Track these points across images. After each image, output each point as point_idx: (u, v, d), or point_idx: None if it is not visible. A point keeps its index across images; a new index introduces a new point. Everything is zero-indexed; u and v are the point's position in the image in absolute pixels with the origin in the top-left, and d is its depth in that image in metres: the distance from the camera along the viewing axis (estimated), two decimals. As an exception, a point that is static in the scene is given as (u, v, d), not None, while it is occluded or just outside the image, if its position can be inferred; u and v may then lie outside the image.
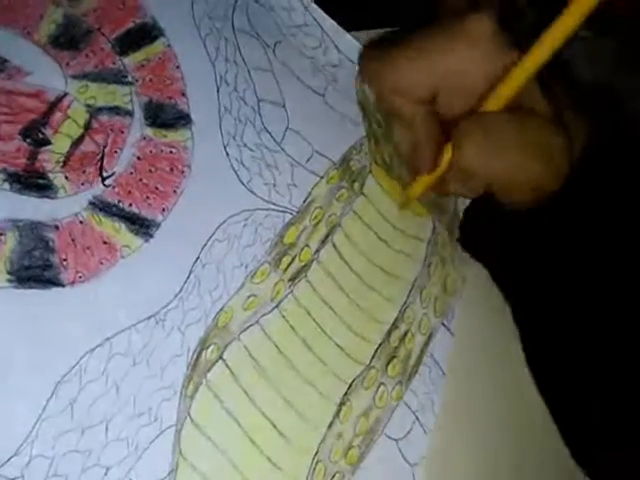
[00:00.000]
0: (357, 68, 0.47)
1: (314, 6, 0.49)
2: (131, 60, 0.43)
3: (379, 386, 0.43)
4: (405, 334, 0.45)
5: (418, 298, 0.46)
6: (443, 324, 0.47)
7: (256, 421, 0.39)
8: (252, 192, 0.43)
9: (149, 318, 0.37)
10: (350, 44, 0.49)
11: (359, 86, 0.48)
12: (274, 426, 0.39)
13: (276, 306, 0.42)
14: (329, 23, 0.49)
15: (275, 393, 0.40)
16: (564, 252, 0.42)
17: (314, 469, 0.39)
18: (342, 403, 0.41)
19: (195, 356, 0.38)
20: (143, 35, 0.43)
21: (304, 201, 0.45)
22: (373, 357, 0.43)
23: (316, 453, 0.40)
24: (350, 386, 0.42)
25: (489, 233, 0.45)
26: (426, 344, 0.46)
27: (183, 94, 0.43)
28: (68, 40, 0.41)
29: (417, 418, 0.43)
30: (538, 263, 0.43)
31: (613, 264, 0.41)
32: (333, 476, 0.40)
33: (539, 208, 0.40)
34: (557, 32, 0.37)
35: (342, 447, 0.40)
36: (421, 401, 0.44)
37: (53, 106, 0.40)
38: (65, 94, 0.41)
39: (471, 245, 0.47)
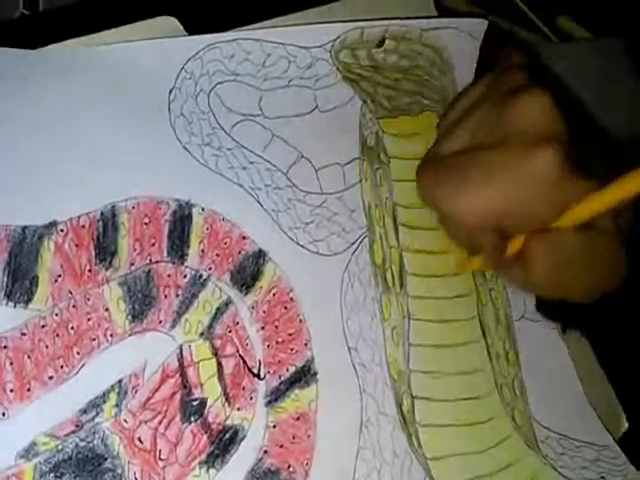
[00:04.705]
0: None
1: (261, 32, 0.42)
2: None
3: (490, 292, 0.51)
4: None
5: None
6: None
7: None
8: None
9: None
10: (306, 33, 0.44)
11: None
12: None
13: (409, 318, 0.47)
14: (281, 34, 0.43)
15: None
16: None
17: (501, 391, 0.50)
18: (484, 332, 0.50)
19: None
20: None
21: (365, 215, 0.46)
22: (474, 279, 0.50)
23: (495, 379, 0.49)
24: (479, 316, 0.50)
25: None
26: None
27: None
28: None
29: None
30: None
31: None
32: (512, 388, 0.50)
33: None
34: None
35: (504, 360, 0.50)
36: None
37: (183, 367, 0.39)
38: (180, 347, 0.39)
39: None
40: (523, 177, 0.38)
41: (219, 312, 0.40)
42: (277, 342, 0.42)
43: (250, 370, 0.41)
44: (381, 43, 0.46)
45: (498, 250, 0.41)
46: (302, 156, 0.44)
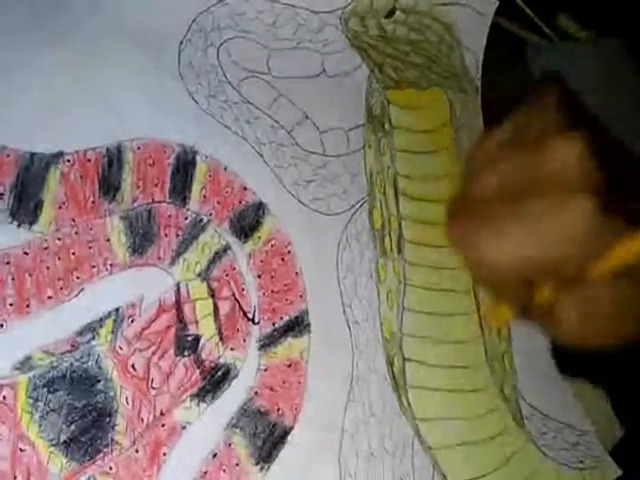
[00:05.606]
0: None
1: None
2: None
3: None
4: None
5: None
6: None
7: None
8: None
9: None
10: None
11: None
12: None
13: (404, 283, 0.48)
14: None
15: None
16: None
17: (492, 364, 0.50)
18: (478, 306, 0.50)
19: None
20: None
21: (367, 181, 0.47)
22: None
23: (486, 352, 0.50)
24: (474, 290, 0.50)
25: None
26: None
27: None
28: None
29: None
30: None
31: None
32: (502, 362, 0.51)
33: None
34: None
35: (495, 334, 0.51)
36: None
37: (179, 304, 0.40)
38: (178, 284, 0.40)
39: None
40: (560, 227, 0.36)
41: (217, 256, 0.41)
42: (272, 291, 0.42)
43: (245, 314, 0.41)
44: (391, 14, 0.48)
45: (525, 300, 0.39)
46: (306, 117, 0.46)
